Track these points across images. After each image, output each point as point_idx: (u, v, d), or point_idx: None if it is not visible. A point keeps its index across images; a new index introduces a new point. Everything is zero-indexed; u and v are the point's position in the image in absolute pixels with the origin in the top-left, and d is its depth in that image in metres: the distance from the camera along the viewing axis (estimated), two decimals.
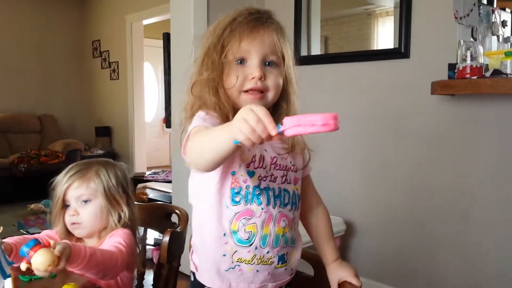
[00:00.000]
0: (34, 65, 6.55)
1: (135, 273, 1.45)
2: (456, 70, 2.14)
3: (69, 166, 1.36)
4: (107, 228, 1.34)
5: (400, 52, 2.49)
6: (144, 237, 1.64)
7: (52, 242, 1.02)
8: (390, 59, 2.57)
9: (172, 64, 3.04)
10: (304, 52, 2.99)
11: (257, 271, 1.05)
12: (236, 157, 1.01)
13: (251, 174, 1.02)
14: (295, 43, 2.88)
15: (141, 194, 4.96)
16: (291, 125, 0.77)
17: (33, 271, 0.98)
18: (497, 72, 2.05)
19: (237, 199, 1.02)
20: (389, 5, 3.59)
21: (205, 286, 1.09)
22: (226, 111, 1.02)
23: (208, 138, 0.88)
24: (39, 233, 1.41)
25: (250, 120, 0.75)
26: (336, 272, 1.15)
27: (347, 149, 2.78)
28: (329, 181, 2.71)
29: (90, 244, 1.30)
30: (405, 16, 2.46)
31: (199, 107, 1.05)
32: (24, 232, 3.78)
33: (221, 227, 1.03)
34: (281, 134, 0.78)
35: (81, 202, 1.32)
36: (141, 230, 1.61)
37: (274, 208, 1.05)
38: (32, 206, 4.52)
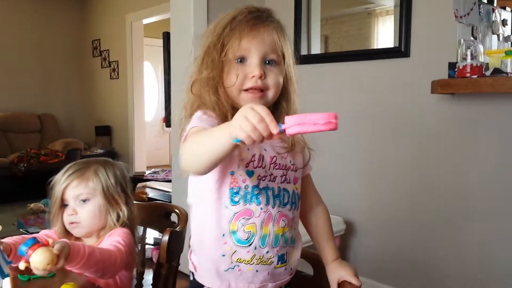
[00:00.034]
0: (34, 64, 6.55)
1: (134, 272, 1.45)
2: (456, 69, 2.14)
3: (68, 166, 1.36)
4: (106, 228, 1.33)
5: (400, 51, 2.49)
6: (143, 237, 1.63)
7: (50, 241, 1.01)
8: (390, 58, 2.57)
9: (172, 63, 3.03)
10: (304, 51, 2.99)
11: (257, 271, 1.04)
12: (234, 157, 1.00)
13: (250, 173, 1.02)
14: (295, 42, 2.88)
15: (141, 193, 4.95)
16: (292, 124, 0.77)
17: (32, 270, 0.98)
18: (497, 71, 2.05)
19: (236, 199, 1.01)
20: (389, 4, 3.58)
21: (204, 286, 1.08)
22: (225, 111, 1.01)
23: (205, 139, 0.88)
24: (38, 232, 1.41)
25: (252, 118, 0.76)
26: (336, 272, 1.15)
27: (347, 148, 2.78)
28: (329, 180, 2.70)
29: (89, 243, 1.29)
30: (405, 15, 2.46)
31: (198, 106, 1.05)
32: (24, 232, 3.78)
33: (220, 227, 1.02)
34: (282, 133, 0.78)
35: (80, 201, 1.32)
36: (140, 229, 1.60)
37: (274, 207, 1.04)
38: (32, 205, 4.51)
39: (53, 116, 6.59)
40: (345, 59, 2.82)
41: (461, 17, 2.18)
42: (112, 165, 1.38)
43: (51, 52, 6.70)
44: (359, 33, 3.80)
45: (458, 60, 2.15)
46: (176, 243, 1.44)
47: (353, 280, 1.11)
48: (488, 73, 2.07)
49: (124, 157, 6.36)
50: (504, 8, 2.46)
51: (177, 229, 1.46)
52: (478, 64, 2.08)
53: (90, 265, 1.10)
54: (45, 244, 0.99)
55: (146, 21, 6.20)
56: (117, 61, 6.53)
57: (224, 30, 1.02)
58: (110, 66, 6.67)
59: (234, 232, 1.02)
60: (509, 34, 2.47)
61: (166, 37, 3.63)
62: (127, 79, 6.33)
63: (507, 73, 2.02)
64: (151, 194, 4.81)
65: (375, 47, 3.39)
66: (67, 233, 1.33)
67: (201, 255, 1.08)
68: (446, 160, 2.38)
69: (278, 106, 1.10)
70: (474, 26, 2.26)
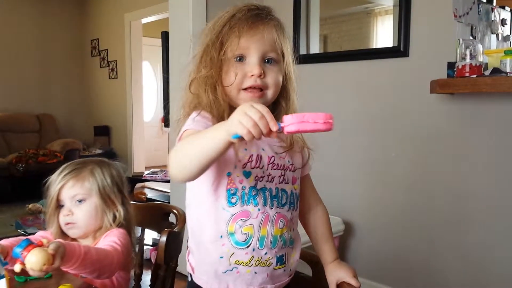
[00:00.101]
0: (32, 64, 6.54)
1: (132, 273, 1.44)
2: (455, 69, 2.13)
3: (63, 166, 1.35)
4: (102, 228, 1.32)
5: (399, 50, 2.48)
6: (141, 237, 1.63)
7: (45, 241, 1.00)
8: (389, 58, 2.56)
9: (170, 63, 3.03)
10: (303, 51, 2.98)
11: (255, 273, 1.03)
12: (231, 158, 0.99)
13: (247, 174, 1.01)
14: (294, 42, 2.87)
15: (139, 193, 4.95)
16: (291, 122, 0.79)
17: (28, 272, 0.97)
18: (496, 71, 2.04)
19: (233, 200, 1.00)
20: (388, 3, 3.58)
21: None
22: (222, 110, 1.00)
23: (197, 141, 0.87)
24: (35, 233, 1.40)
25: (253, 115, 0.77)
26: (335, 273, 1.14)
27: (345, 148, 2.77)
28: (328, 180, 2.70)
29: (85, 244, 1.28)
30: (405, 15, 2.45)
31: (195, 106, 1.04)
32: (22, 232, 3.77)
33: (217, 229, 1.01)
34: (281, 131, 0.79)
35: (76, 201, 1.31)
36: (138, 230, 1.60)
37: (271, 208, 1.03)
38: (30, 206, 4.51)
39: (52, 116, 6.57)
40: (344, 58, 2.81)
41: (460, 16, 2.18)
42: (108, 165, 1.38)
43: (50, 52, 6.68)
44: (358, 32, 3.80)
45: (457, 60, 2.15)
46: (174, 244, 1.43)
47: (352, 281, 1.10)
48: (487, 72, 2.07)
49: (123, 157, 6.35)
50: (503, 7, 2.45)
51: (175, 229, 1.45)
52: (477, 64, 2.07)
53: (86, 265, 1.09)
54: (40, 245, 0.98)
55: (145, 20, 6.20)
56: (116, 60, 6.52)
57: (223, 28, 1.01)
58: (109, 65, 6.66)
59: (232, 234, 1.01)
60: (508, 33, 2.46)
61: (165, 36, 3.63)
62: (125, 79, 6.32)
63: (506, 72, 2.02)
64: (149, 194, 4.81)
65: (374, 47, 3.39)
66: (63, 234, 1.32)
67: (199, 256, 1.07)
68: (445, 160, 2.37)
69: (278, 105, 1.09)
70: (473, 25, 2.26)
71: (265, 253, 1.03)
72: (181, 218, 1.51)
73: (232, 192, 1.00)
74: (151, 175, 5.50)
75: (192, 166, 0.87)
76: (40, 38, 6.59)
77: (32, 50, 6.53)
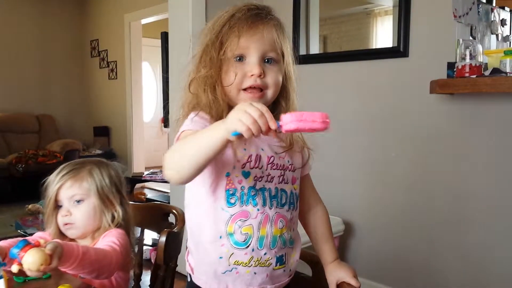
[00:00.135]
0: (32, 64, 6.54)
1: (132, 273, 1.44)
2: (455, 69, 2.13)
3: (61, 166, 1.35)
4: (101, 229, 1.32)
5: (399, 51, 2.48)
6: (141, 238, 1.62)
7: (42, 241, 1.00)
8: (389, 58, 2.56)
9: (170, 63, 3.03)
10: (303, 51, 2.98)
11: (255, 273, 1.02)
12: (229, 158, 0.99)
13: (246, 174, 1.01)
14: (293, 42, 2.87)
15: (139, 194, 4.94)
16: (289, 121, 0.80)
17: (26, 272, 0.97)
18: (496, 71, 2.04)
19: (232, 200, 1.00)
20: (388, 4, 3.58)
21: None
22: (221, 110, 1.00)
23: (193, 141, 0.87)
24: (34, 233, 1.40)
25: (252, 112, 0.78)
26: (335, 273, 1.14)
27: (345, 148, 2.77)
28: (328, 180, 2.69)
29: (84, 245, 1.28)
30: (404, 15, 2.45)
31: (193, 106, 1.04)
32: (22, 232, 3.77)
33: (216, 229, 1.01)
34: (279, 129, 0.80)
35: (74, 202, 1.30)
36: (137, 230, 1.60)
37: (271, 208, 1.03)
38: (30, 206, 4.51)
39: (51, 117, 6.57)
40: (344, 59, 2.81)
41: (459, 16, 2.18)
42: (106, 166, 1.37)
43: (50, 52, 6.68)
44: (358, 33, 3.80)
45: (457, 60, 2.15)
46: (174, 244, 1.42)
47: (352, 281, 1.10)
48: (487, 73, 2.07)
49: (123, 157, 6.35)
50: (503, 8, 2.45)
51: (175, 230, 1.45)
52: (477, 64, 2.07)
53: (84, 265, 1.08)
54: (37, 245, 0.98)
55: (144, 21, 6.20)
56: (116, 61, 6.52)
57: (223, 28, 1.01)
58: (108, 66, 6.66)
59: (231, 234, 1.00)
60: (508, 34, 2.46)
61: (164, 37, 3.63)
62: (125, 80, 6.32)
63: (506, 73, 2.02)
64: (149, 194, 4.81)
65: (374, 47, 3.39)
66: (61, 234, 1.32)
67: (198, 257, 1.07)
68: (445, 160, 2.37)
69: (277, 105, 1.08)
70: (473, 26, 2.26)
71: (265, 253, 1.02)
72: (181, 218, 1.51)
73: (231, 192, 1.00)
74: (150, 175, 5.50)
75: (189, 167, 0.87)
76: (40, 38, 6.59)
77: (32, 50, 6.53)
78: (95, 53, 6.89)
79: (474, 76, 2.05)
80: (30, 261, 0.95)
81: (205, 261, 1.04)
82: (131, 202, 1.56)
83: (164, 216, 1.62)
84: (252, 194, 1.01)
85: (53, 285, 1.07)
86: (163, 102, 4.61)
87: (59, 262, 1.00)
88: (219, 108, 1.00)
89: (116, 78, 6.55)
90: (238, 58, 1.01)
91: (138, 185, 5.28)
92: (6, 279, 0.99)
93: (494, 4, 2.41)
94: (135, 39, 6.26)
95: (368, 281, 2.59)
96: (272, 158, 1.04)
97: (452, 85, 2.12)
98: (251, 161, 1.01)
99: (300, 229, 1.16)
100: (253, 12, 1.02)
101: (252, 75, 1.00)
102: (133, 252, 1.38)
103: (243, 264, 1.01)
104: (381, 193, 2.64)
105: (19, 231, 3.89)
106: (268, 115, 0.79)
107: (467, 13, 2.21)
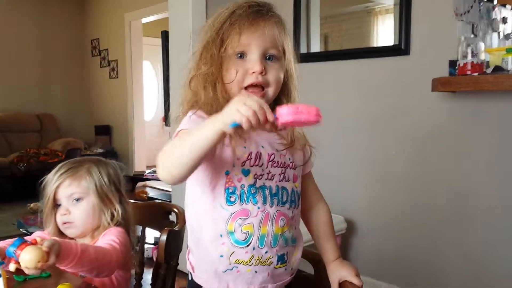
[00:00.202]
0: (33, 64, 6.54)
1: (133, 272, 1.44)
2: (457, 67, 2.13)
3: (60, 165, 1.34)
4: (100, 228, 1.32)
5: (400, 49, 2.47)
6: (142, 236, 1.62)
7: (38, 239, 1.00)
8: (390, 56, 2.55)
9: (170, 62, 3.03)
10: (303, 50, 2.98)
11: (256, 272, 1.02)
12: (229, 157, 0.99)
13: (246, 172, 1.00)
14: (294, 40, 2.86)
15: (141, 192, 4.94)
16: (286, 113, 0.81)
17: (23, 271, 0.96)
18: (498, 69, 2.03)
19: (232, 199, 1.00)
20: (389, 2, 3.57)
21: (202, 287, 1.07)
22: (220, 108, 0.99)
23: (188, 137, 0.87)
24: (33, 233, 1.39)
25: (251, 104, 0.79)
26: (337, 272, 1.13)
27: (347, 147, 2.76)
28: (330, 178, 2.69)
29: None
30: (405, 13, 2.44)
31: (192, 105, 1.03)
32: (24, 231, 3.78)
33: (217, 228, 1.00)
34: (276, 123, 0.82)
35: (73, 200, 1.30)
36: (139, 229, 1.59)
37: (272, 207, 1.02)
38: (32, 205, 4.51)
39: (53, 116, 6.58)
40: (345, 57, 2.80)
41: (461, 14, 2.17)
42: (105, 164, 1.37)
43: (50, 52, 6.69)
44: (359, 31, 3.79)
45: (459, 58, 2.14)
46: (175, 243, 1.42)
47: (354, 280, 1.09)
48: (489, 70, 2.06)
49: (124, 156, 6.36)
50: (504, 5, 2.44)
51: (176, 228, 1.44)
52: (479, 62, 2.06)
53: (84, 263, 1.08)
54: (34, 243, 0.97)
55: (145, 20, 6.20)
56: (116, 60, 6.52)
57: (224, 25, 1.00)
58: (109, 65, 6.66)
59: (231, 233, 1.00)
60: (510, 32, 2.45)
61: (165, 35, 3.63)
62: (126, 79, 6.33)
63: (508, 70, 2.01)
64: (151, 193, 4.81)
65: (375, 46, 3.38)
66: (60, 233, 1.31)
67: (199, 255, 1.06)
68: (447, 158, 2.36)
69: (278, 103, 1.07)
70: (474, 23, 2.25)
71: (266, 252, 1.02)
72: (182, 216, 1.50)
73: (230, 191, 0.99)
74: (152, 174, 5.50)
75: (181, 166, 0.87)
76: (40, 38, 6.59)
77: (33, 50, 6.53)
78: (95, 52, 6.89)
79: (476, 74, 2.05)
80: (27, 259, 0.94)
81: (205, 260, 1.04)
82: (132, 201, 1.57)
83: (165, 215, 1.62)
84: (252, 192, 1.00)
85: (53, 284, 1.06)
86: (164, 102, 4.61)
87: (57, 260, 0.99)
88: (218, 106, 0.99)
89: (117, 77, 6.55)
90: (239, 55, 1.01)
91: (139, 184, 5.28)
92: (5, 278, 0.98)
93: (495, 2, 2.41)
94: (135, 38, 6.26)
95: (370, 279, 2.58)
96: (272, 156, 1.04)
97: (454, 83, 2.12)
98: (251, 158, 1.01)
99: (302, 227, 1.16)
100: (254, 8, 1.01)
101: (253, 72, 0.99)
102: (133, 251, 1.38)
103: (244, 263, 1.01)
104: (383, 192, 2.64)
105: (21, 229, 3.89)
106: (266, 106, 0.80)
107: (468, 11, 2.20)
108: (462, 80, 2.07)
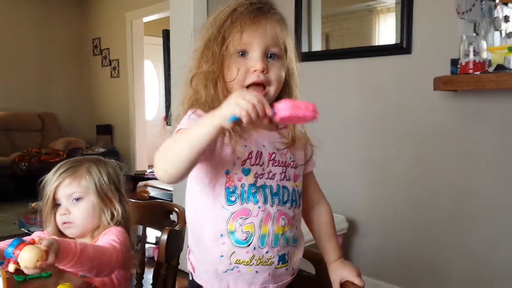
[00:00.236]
0: (34, 63, 6.54)
1: (134, 272, 1.43)
2: (458, 66, 2.12)
3: (59, 164, 1.34)
4: (100, 227, 1.31)
5: (402, 47, 2.47)
6: (143, 236, 1.62)
7: (36, 239, 0.99)
8: (391, 55, 2.55)
9: (171, 61, 3.02)
10: (305, 49, 2.97)
11: (257, 272, 1.01)
12: (229, 156, 0.98)
13: (246, 172, 0.99)
14: (295, 39, 2.85)
15: (142, 192, 4.94)
16: (283, 108, 0.84)
17: (23, 271, 0.96)
18: (500, 67, 2.03)
19: (232, 198, 0.99)
20: (390, 1, 3.57)
21: (202, 287, 1.06)
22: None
23: (187, 133, 0.87)
24: (32, 233, 1.39)
25: (250, 98, 0.81)
26: (338, 272, 1.12)
27: (349, 146, 2.76)
28: (331, 178, 2.68)
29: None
30: (407, 11, 2.44)
31: (192, 104, 1.02)
32: (26, 231, 3.78)
33: (217, 227, 0.99)
34: (274, 118, 0.84)
35: (73, 200, 1.29)
36: (139, 228, 1.59)
37: (272, 206, 1.01)
38: (33, 204, 4.51)
39: (54, 115, 6.58)
40: (346, 56, 2.79)
41: (463, 13, 2.16)
42: (104, 163, 1.36)
43: (51, 51, 6.69)
44: (360, 30, 3.79)
45: (461, 57, 2.13)
46: (175, 242, 1.42)
47: (356, 280, 1.08)
48: (491, 69, 2.05)
49: (126, 156, 6.36)
50: (506, 4, 2.43)
51: (176, 228, 1.44)
52: (481, 61, 2.06)
53: (83, 262, 1.07)
54: (32, 243, 0.97)
55: (146, 19, 6.20)
56: (118, 59, 6.52)
57: (225, 23, 1.00)
58: (110, 64, 6.66)
59: (232, 233, 0.99)
60: None
61: (166, 34, 3.62)
62: (127, 78, 6.33)
63: (510, 69, 2.00)
64: (152, 193, 4.81)
65: (377, 44, 3.37)
66: (60, 233, 1.31)
67: (199, 255, 1.06)
68: (449, 158, 2.36)
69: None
70: (476, 22, 2.24)
71: (267, 252, 1.01)
72: (182, 216, 1.50)
73: (231, 190, 0.99)
74: (153, 173, 5.50)
75: (178, 165, 0.86)
76: (41, 37, 6.60)
77: (34, 49, 6.53)
78: (97, 51, 6.89)
79: (478, 72, 2.04)
80: (26, 258, 0.93)
81: (206, 260, 1.03)
82: (133, 200, 1.56)
83: (166, 214, 1.61)
84: (253, 191, 0.99)
85: (53, 284, 1.06)
86: (165, 102, 4.60)
87: (56, 259, 0.98)
88: (219, 105, 0.99)
89: (119, 77, 6.55)
90: (241, 53, 1.00)
91: (141, 183, 5.28)
92: (5, 278, 0.98)
93: (497, 1, 2.39)
94: (137, 37, 6.26)
95: (372, 279, 2.57)
96: (273, 155, 1.03)
97: (455, 81, 2.11)
98: (252, 157, 1.00)
99: (304, 227, 1.15)
100: (256, 6, 1.00)
101: (255, 70, 0.99)
102: (133, 251, 1.37)
103: (245, 263, 1.00)
104: (385, 191, 2.63)
105: (22, 229, 3.89)
106: (264, 101, 0.82)
107: (470, 10, 2.19)
108: (464, 79, 2.06)
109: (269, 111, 0.83)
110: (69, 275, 1.13)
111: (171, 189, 3.91)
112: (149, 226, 1.64)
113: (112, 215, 1.31)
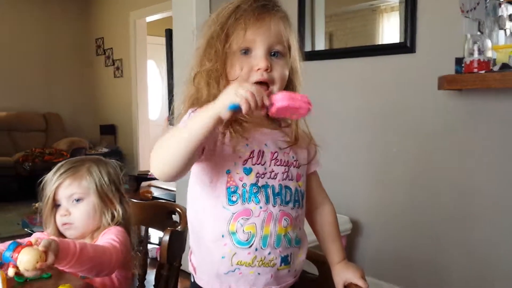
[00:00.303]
0: (38, 63, 6.56)
1: (136, 273, 1.42)
2: (463, 65, 2.10)
3: (59, 164, 1.32)
4: (100, 228, 1.30)
5: (406, 46, 2.45)
6: (145, 236, 1.61)
7: (33, 240, 0.98)
8: (395, 54, 2.53)
9: (174, 60, 3.02)
10: (308, 48, 2.96)
11: (259, 273, 1.00)
12: (230, 155, 0.97)
13: (247, 171, 0.98)
14: (299, 38, 2.84)
15: (145, 192, 4.94)
16: (280, 98, 0.85)
17: (23, 275, 0.95)
18: (505, 66, 2.01)
19: (233, 198, 0.97)
20: (394, 0, 3.55)
21: None
22: None
23: (184, 127, 0.86)
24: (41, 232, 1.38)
25: (248, 87, 0.82)
26: (342, 274, 1.11)
27: (352, 146, 2.75)
28: (334, 178, 2.66)
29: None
30: (411, 10, 2.42)
31: (192, 102, 1.01)
32: (29, 231, 3.78)
33: (218, 228, 0.98)
34: (271, 108, 0.85)
35: (73, 201, 1.28)
36: (142, 229, 1.58)
37: (274, 206, 1.00)
38: (37, 204, 4.48)
39: (58, 115, 6.60)
40: (350, 55, 2.78)
41: (467, 11, 2.14)
42: (105, 164, 1.35)
43: (55, 51, 6.70)
44: (364, 29, 3.78)
45: (465, 55, 2.12)
46: (178, 243, 1.41)
47: (360, 282, 1.07)
48: (496, 68, 2.03)
49: (129, 156, 6.36)
50: (510, 2, 2.41)
51: (179, 228, 1.43)
52: (486, 59, 2.04)
53: (83, 262, 1.06)
54: (29, 245, 0.96)
55: (149, 19, 6.19)
56: (121, 59, 6.52)
57: (228, 20, 0.98)
58: (114, 64, 6.66)
59: (233, 233, 0.97)
60: None
61: (169, 34, 3.62)
62: (131, 78, 6.33)
63: None
64: (156, 193, 4.80)
65: (380, 43, 3.36)
66: (60, 235, 1.29)
67: (200, 256, 1.04)
68: (453, 158, 2.34)
69: None
70: (481, 21, 2.22)
71: (269, 253, 0.99)
72: (185, 216, 1.49)
73: (232, 190, 0.97)
74: None
75: (178, 155, 0.85)
76: (45, 37, 6.61)
77: (37, 49, 6.54)
78: (100, 51, 6.89)
79: (483, 71, 2.02)
80: (25, 260, 0.92)
81: (207, 261, 1.02)
82: (135, 201, 1.55)
83: (168, 215, 1.60)
84: (254, 191, 0.98)
85: (53, 285, 1.05)
86: (169, 102, 4.60)
87: (56, 259, 0.97)
88: None
89: (122, 76, 6.55)
90: (244, 51, 0.99)
91: (144, 183, 5.28)
92: (4, 279, 0.97)
93: None
94: (140, 37, 6.26)
95: (376, 280, 2.56)
96: (276, 154, 1.02)
97: (460, 81, 2.09)
98: (253, 157, 0.99)
99: (307, 228, 1.14)
100: (260, 3, 0.99)
101: (258, 69, 0.98)
102: (134, 251, 1.36)
103: (246, 264, 0.98)
104: (388, 191, 2.62)
105: (25, 229, 3.89)
106: (263, 91, 0.84)
107: (474, 8, 2.18)
108: (469, 78, 2.04)
109: (267, 101, 0.84)
110: (69, 276, 1.12)
111: (175, 189, 3.90)
112: (151, 227, 1.63)
113: (113, 216, 1.30)
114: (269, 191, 1.00)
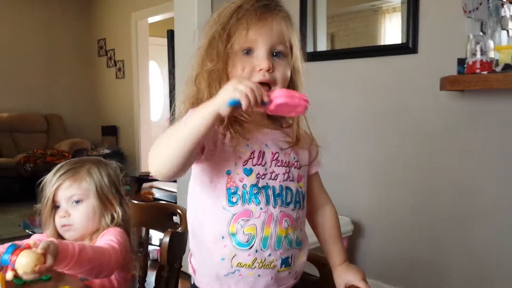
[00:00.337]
0: (40, 64, 6.56)
1: (136, 274, 1.41)
2: (465, 65, 2.09)
3: (59, 165, 1.32)
4: (99, 230, 1.29)
5: (408, 47, 2.44)
6: (146, 238, 1.60)
7: (31, 242, 0.97)
8: (397, 55, 2.53)
9: (176, 61, 3.02)
10: (310, 49, 2.95)
11: (259, 275, 0.99)
12: (230, 155, 0.96)
13: (248, 172, 0.97)
14: (301, 39, 2.84)
15: (147, 193, 4.93)
16: (279, 95, 0.85)
17: (22, 277, 0.94)
18: (508, 67, 2.00)
19: (233, 199, 0.97)
20: (396, 0, 3.55)
21: None
22: None
23: (183, 124, 0.85)
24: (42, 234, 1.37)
25: (247, 83, 0.82)
26: (343, 276, 1.10)
27: (353, 147, 2.74)
28: (336, 179, 2.65)
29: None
30: (413, 11, 2.42)
31: (192, 103, 1.00)
32: (30, 232, 3.78)
33: (218, 229, 0.97)
34: (269, 104, 0.85)
35: (73, 202, 1.27)
36: (142, 231, 1.58)
37: (275, 207, 0.99)
38: (38, 206, 4.51)
39: (59, 116, 6.60)
40: (352, 56, 2.78)
41: (469, 12, 2.14)
42: (105, 165, 1.34)
43: (57, 52, 6.71)
44: (366, 30, 3.77)
45: (468, 56, 2.11)
46: (178, 245, 1.40)
47: (361, 285, 1.06)
48: (498, 69, 2.03)
49: (130, 157, 6.36)
50: None
51: (179, 230, 1.42)
52: (488, 60, 2.03)
53: (82, 263, 1.05)
54: (27, 248, 0.95)
55: (151, 19, 6.19)
56: (123, 60, 6.52)
57: (230, 20, 0.97)
58: (115, 65, 6.67)
59: (233, 235, 0.97)
60: None
61: (170, 35, 3.62)
62: (132, 79, 6.32)
63: None
64: (157, 194, 4.79)
65: (382, 44, 3.35)
66: (59, 236, 1.29)
67: (200, 258, 1.03)
68: (455, 159, 2.33)
69: None
70: (483, 21, 2.21)
71: (269, 255, 0.98)
72: (185, 218, 1.48)
73: (232, 191, 0.97)
74: None
75: (177, 153, 0.85)
76: (46, 38, 6.61)
77: (39, 50, 6.55)
78: (102, 52, 6.90)
79: (485, 72, 2.01)
80: (24, 263, 0.91)
81: (207, 263, 1.01)
82: (135, 202, 1.55)
83: (169, 216, 1.60)
84: (255, 192, 0.97)
85: (53, 287, 1.04)
86: (170, 103, 4.60)
87: (54, 261, 0.96)
88: None
89: (124, 77, 6.55)
90: (246, 51, 0.98)
91: (145, 185, 5.27)
92: (3, 281, 0.96)
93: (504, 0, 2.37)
94: (142, 38, 6.26)
95: (378, 282, 2.55)
96: (276, 155, 1.01)
97: (462, 81, 2.08)
98: (254, 157, 0.98)
99: (308, 229, 1.13)
100: (262, 3, 0.98)
101: (260, 69, 0.97)
102: (134, 253, 1.35)
103: (246, 266, 0.98)
104: (390, 193, 2.61)
105: (27, 230, 3.89)
106: (262, 88, 0.84)
107: (477, 8, 2.17)
108: (471, 79, 2.03)
109: (266, 98, 0.84)
110: (68, 277, 1.12)
111: (176, 190, 3.89)
112: (152, 228, 1.63)
113: (112, 218, 1.29)
114: (270, 192, 0.99)
